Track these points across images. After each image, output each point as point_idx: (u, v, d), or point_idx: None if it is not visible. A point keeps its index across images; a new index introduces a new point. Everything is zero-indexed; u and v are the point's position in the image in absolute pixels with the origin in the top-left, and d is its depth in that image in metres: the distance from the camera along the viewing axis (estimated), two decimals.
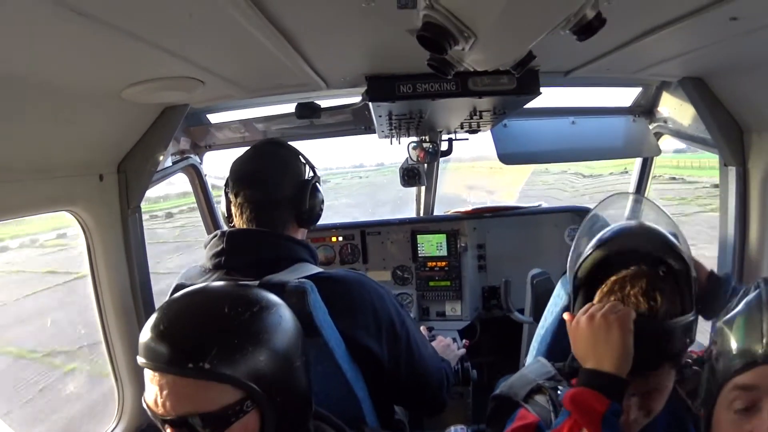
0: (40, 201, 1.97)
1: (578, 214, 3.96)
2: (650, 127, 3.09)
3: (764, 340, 1.18)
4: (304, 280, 1.74)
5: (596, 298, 1.63)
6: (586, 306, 1.58)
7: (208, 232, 3.35)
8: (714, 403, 1.26)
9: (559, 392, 1.77)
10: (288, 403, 1.30)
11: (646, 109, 3.07)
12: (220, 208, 2.13)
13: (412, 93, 2.00)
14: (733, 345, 1.25)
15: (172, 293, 1.85)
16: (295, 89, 2.26)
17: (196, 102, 2.26)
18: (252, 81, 2.09)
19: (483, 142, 3.13)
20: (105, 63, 1.52)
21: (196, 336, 1.21)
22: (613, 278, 1.62)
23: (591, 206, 3.92)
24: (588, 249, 1.71)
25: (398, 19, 1.22)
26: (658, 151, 3.18)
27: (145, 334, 1.21)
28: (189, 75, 1.75)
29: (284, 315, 1.30)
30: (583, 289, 1.72)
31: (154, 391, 1.19)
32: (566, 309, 2.10)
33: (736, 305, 1.30)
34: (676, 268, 1.58)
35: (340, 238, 3.95)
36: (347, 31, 1.48)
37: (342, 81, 2.17)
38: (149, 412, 1.21)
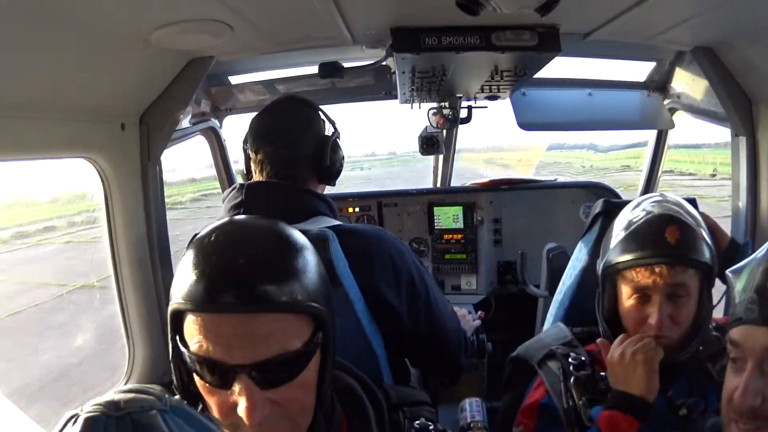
0: (58, 144, 1.99)
1: (593, 191, 4.04)
2: (664, 102, 3.20)
3: (750, 303, 1.32)
4: (325, 229, 1.75)
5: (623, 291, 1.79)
6: (620, 338, 1.73)
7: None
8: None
9: (571, 359, 1.87)
10: (333, 341, 1.21)
11: (659, 84, 3.20)
12: (238, 166, 2.17)
13: (437, 45, 2.05)
14: (732, 303, 1.41)
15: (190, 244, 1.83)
16: (321, 42, 2.31)
17: (221, 53, 2.30)
18: (280, 30, 2.14)
19: (497, 131, 3.25)
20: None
21: (277, 265, 1.08)
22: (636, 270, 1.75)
23: (606, 183, 4.12)
24: (622, 255, 1.79)
25: None
26: (672, 125, 3.33)
27: (201, 274, 1.04)
28: (219, 18, 1.80)
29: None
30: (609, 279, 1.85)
31: (220, 337, 1.04)
32: (585, 272, 2.20)
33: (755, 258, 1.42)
34: (701, 270, 1.72)
35: (357, 209, 4.06)
36: None
37: (367, 35, 2.22)
38: (200, 367, 1.06)
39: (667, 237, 1.70)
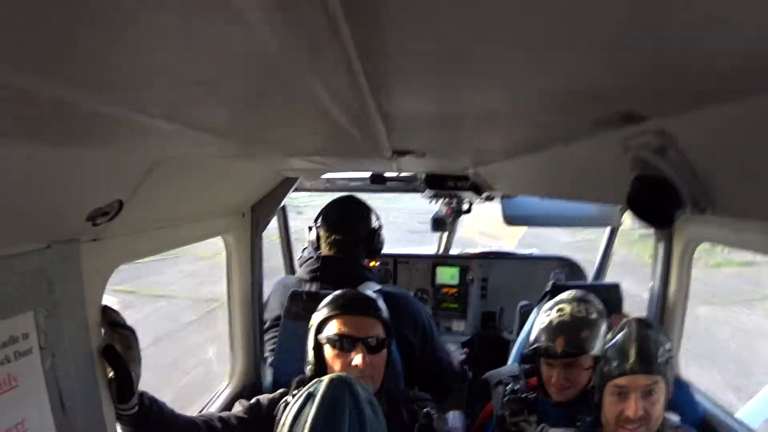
0: (208, 232, 2.78)
1: (560, 262, 4.92)
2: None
3: (629, 360, 2.11)
4: (376, 292, 2.68)
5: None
6: None
7: (284, 259, 4.70)
8: (602, 391, 2.21)
9: (509, 386, 2.73)
10: (391, 349, 2.35)
11: None
12: (309, 237, 3.18)
13: (454, 186, 3.28)
14: (613, 360, 2.16)
15: (291, 297, 2.90)
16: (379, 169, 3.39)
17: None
18: (354, 167, 3.23)
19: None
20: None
21: (370, 297, 2.37)
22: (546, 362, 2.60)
23: (572, 257, 4.93)
24: (534, 340, 2.61)
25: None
26: (620, 222, 4.35)
27: (341, 300, 2.30)
28: (326, 165, 2.78)
29: None
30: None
31: (348, 326, 2.22)
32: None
33: (615, 336, 2.20)
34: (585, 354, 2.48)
35: (378, 263, 4.70)
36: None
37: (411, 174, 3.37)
38: (337, 341, 2.20)
39: (557, 346, 2.50)
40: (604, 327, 2.54)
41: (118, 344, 1.73)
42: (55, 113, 0.77)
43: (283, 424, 1.77)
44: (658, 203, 0.99)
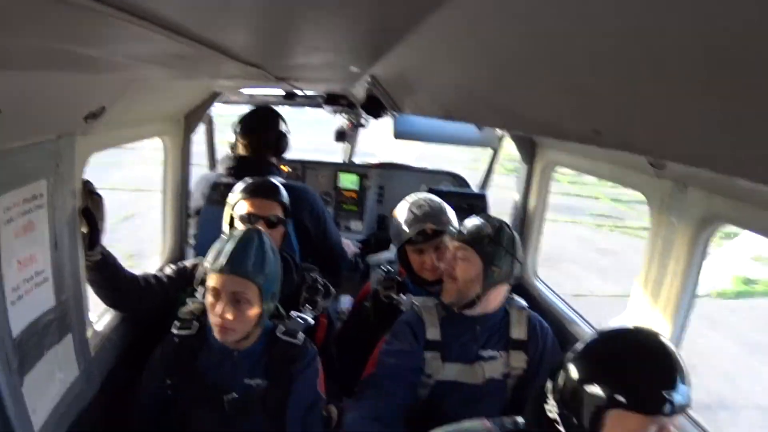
0: (151, 132, 3.31)
1: (451, 176, 5.48)
2: (497, 131, 4.60)
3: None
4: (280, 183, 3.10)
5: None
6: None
7: (209, 158, 5.34)
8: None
9: (385, 268, 3.21)
10: (286, 228, 2.96)
11: None
12: (228, 140, 3.67)
13: (346, 104, 4.11)
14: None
15: (214, 184, 3.42)
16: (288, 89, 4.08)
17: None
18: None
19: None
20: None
21: (273, 185, 2.88)
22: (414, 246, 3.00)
23: (461, 173, 5.53)
24: (401, 233, 3.03)
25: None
26: (498, 145, 5.00)
27: (245, 189, 2.81)
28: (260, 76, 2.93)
29: None
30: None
31: (254, 206, 2.76)
32: None
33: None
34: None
35: (289, 168, 5.42)
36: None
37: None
38: (246, 217, 2.74)
39: (427, 230, 2.94)
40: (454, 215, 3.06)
41: (92, 207, 2.37)
42: (71, 46, 1.13)
43: (207, 259, 2.28)
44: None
